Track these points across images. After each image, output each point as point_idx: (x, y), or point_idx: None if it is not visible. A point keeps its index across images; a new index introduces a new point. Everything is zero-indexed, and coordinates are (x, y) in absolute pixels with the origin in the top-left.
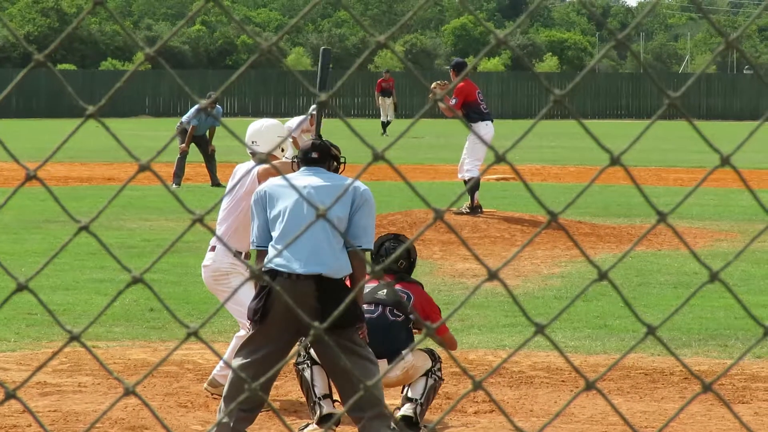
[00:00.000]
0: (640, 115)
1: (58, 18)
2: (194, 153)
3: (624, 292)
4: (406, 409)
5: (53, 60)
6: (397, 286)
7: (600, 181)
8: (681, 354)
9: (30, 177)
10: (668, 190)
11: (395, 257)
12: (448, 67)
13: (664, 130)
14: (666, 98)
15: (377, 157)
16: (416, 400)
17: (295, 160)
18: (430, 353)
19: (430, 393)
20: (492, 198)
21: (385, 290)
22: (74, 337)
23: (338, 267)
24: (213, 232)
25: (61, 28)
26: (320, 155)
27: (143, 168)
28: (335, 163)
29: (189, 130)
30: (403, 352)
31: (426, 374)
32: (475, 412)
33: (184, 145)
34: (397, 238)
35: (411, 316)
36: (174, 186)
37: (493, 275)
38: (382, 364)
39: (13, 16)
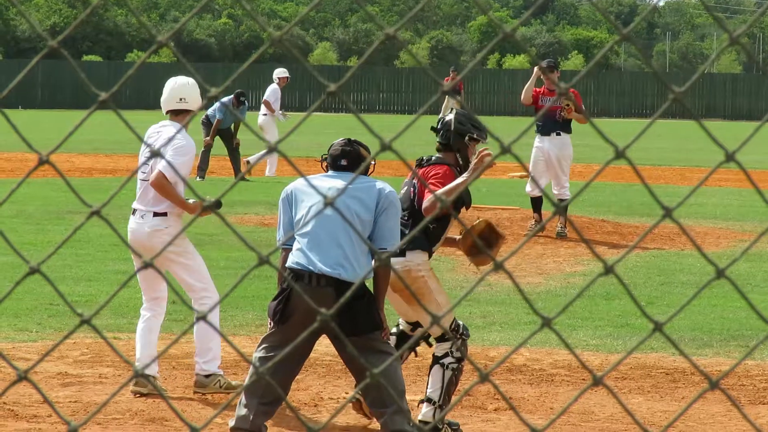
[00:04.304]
0: (665, 114)
1: (84, 8)
2: (219, 146)
3: (646, 291)
4: (425, 414)
5: (79, 51)
6: (409, 176)
7: (624, 179)
8: (702, 354)
9: (42, 161)
10: (691, 189)
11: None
12: (550, 67)
13: (688, 130)
14: (670, 93)
15: (385, 147)
16: (434, 402)
17: (325, 160)
18: (456, 328)
19: (449, 388)
20: (516, 195)
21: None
22: (85, 321)
23: (360, 271)
24: (225, 221)
25: (88, 19)
26: (349, 163)
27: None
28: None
29: (214, 123)
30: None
31: (441, 364)
32: (495, 409)
33: (208, 138)
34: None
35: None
36: (198, 179)
37: (498, 266)
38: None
39: (40, 7)
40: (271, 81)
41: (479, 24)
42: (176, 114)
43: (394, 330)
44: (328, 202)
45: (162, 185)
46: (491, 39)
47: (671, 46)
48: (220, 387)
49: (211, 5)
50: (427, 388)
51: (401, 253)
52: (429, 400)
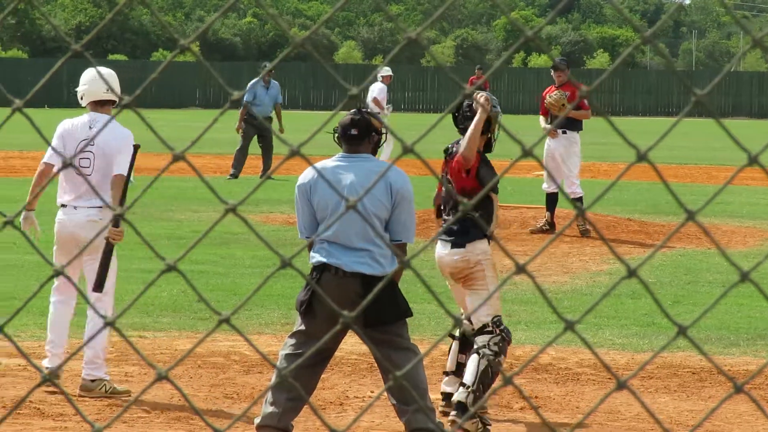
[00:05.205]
0: (692, 113)
1: (110, 8)
2: (255, 145)
3: (672, 290)
4: (459, 395)
5: (104, 50)
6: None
7: (649, 178)
8: (729, 353)
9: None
10: (718, 188)
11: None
12: (554, 66)
13: (715, 128)
14: (693, 96)
15: (407, 150)
16: (468, 387)
17: (335, 132)
18: (498, 323)
19: (483, 378)
20: (541, 194)
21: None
22: (108, 324)
23: (383, 265)
24: (246, 222)
25: (113, 18)
26: (360, 131)
27: (177, 158)
28: (376, 136)
29: (241, 109)
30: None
31: (478, 353)
32: (521, 408)
33: (238, 125)
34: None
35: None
36: (229, 177)
37: (520, 269)
38: (445, 247)
39: (66, 6)
40: (295, 79)
41: (504, 22)
42: (102, 105)
43: (456, 333)
44: (350, 206)
45: (120, 184)
46: (517, 37)
47: (697, 44)
48: (106, 392)
49: (237, 4)
50: (463, 373)
51: (460, 245)
52: (463, 385)
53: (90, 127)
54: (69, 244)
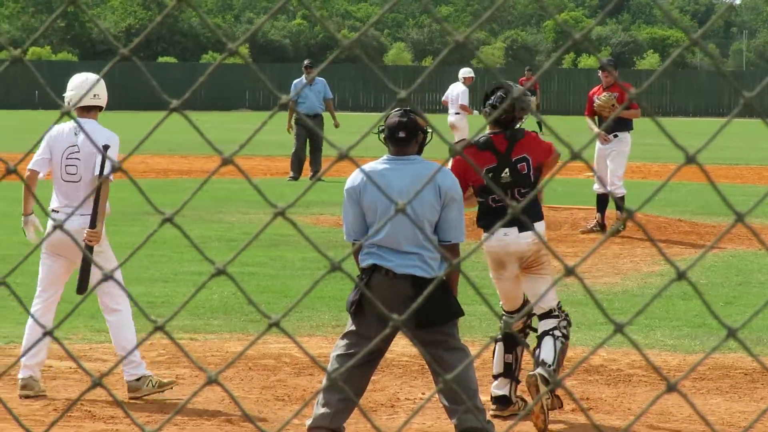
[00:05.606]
0: (742, 113)
1: (159, 11)
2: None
3: (724, 291)
4: (542, 371)
5: (154, 53)
6: (515, 156)
7: (700, 179)
8: None
9: (116, 169)
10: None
11: (501, 111)
12: (601, 67)
13: (765, 129)
14: (741, 97)
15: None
16: (549, 366)
17: (382, 133)
18: (559, 308)
19: (560, 357)
20: (592, 195)
21: (508, 171)
22: (158, 328)
23: (434, 267)
24: (295, 225)
25: (162, 20)
26: (407, 134)
27: (226, 162)
28: (422, 135)
29: (289, 107)
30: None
31: (552, 335)
32: (573, 410)
33: (288, 125)
34: (502, 87)
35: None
36: (289, 179)
37: (570, 271)
38: (512, 232)
39: (115, 9)
40: (345, 81)
41: (554, 23)
42: (88, 111)
43: (498, 335)
44: (399, 210)
45: (105, 188)
46: (567, 38)
47: (748, 44)
48: (153, 386)
49: (286, 6)
50: (539, 353)
51: (528, 227)
52: (543, 363)
53: (75, 134)
54: (60, 249)
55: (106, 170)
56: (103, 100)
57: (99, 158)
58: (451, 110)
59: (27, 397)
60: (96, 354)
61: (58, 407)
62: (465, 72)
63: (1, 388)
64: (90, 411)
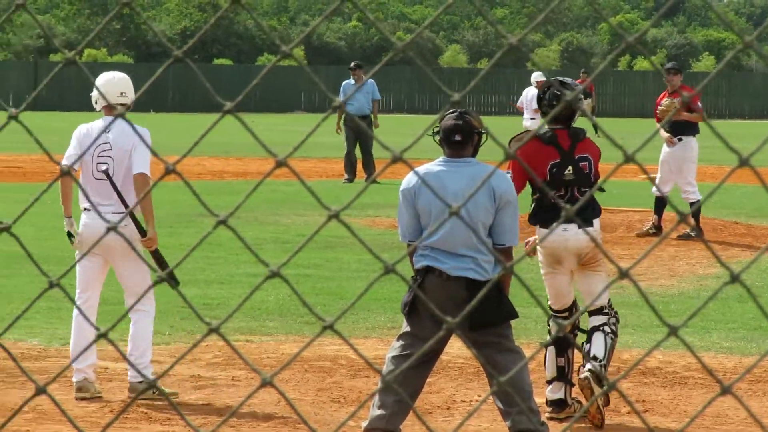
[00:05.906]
0: None
1: (214, 13)
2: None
3: None
4: (594, 366)
5: (209, 55)
6: (577, 154)
7: (755, 181)
8: None
9: (169, 171)
10: None
11: (558, 110)
12: (667, 70)
13: None
14: None
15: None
16: (599, 361)
17: (436, 135)
18: (609, 305)
19: (610, 353)
20: (649, 197)
21: (571, 168)
22: (213, 330)
23: (488, 270)
24: (349, 228)
25: (217, 22)
26: (463, 137)
27: (280, 164)
28: (477, 137)
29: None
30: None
31: (602, 331)
32: (629, 412)
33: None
34: (564, 84)
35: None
36: (343, 182)
37: (624, 274)
38: (572, 228)
39: (171, 11)
40: (401, 83)
41: (609, 26)
42: (114, 109)
43: (548, 339)
44: (453, 212)
45: (145, 185)
46: (622, 40)
47: None
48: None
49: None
50: (589, 349)
51: (590, 223)
52: (595, 358)
53: (106, 131)
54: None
55: (144, 166)
56: (129, 98)
57: (137, 155)
58: (526, 115)
59: (83, 399)
60: (152, 356)
61: (114, 409)
62: (537, 76)
63: (57, 390)
64: (146, 413)
